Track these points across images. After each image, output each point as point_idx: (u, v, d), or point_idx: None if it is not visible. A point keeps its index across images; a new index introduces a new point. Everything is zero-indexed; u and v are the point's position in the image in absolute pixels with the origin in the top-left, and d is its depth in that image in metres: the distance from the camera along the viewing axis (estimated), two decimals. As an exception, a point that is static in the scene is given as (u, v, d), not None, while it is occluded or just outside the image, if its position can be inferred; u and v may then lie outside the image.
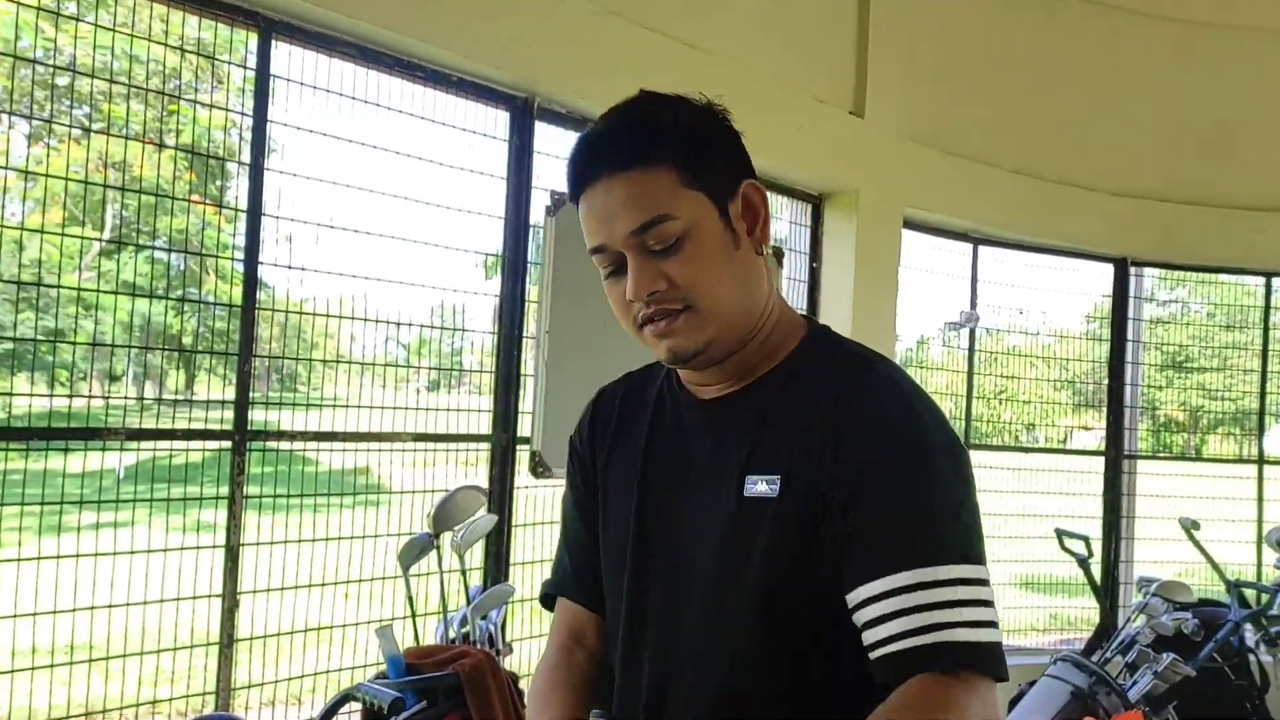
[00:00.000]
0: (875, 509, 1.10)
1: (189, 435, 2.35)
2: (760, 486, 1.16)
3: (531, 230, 2.94)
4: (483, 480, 2.88)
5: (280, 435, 2.47)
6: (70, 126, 2.40)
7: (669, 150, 1.12)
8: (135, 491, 2.39)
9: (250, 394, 2.39)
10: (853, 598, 1.09)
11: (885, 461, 1.11)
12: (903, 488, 1.11)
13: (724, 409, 1.23)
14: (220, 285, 2.84)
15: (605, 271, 1.16)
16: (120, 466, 2.51)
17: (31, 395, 2.46)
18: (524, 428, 2.91)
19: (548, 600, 1.41)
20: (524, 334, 2.92)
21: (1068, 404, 5.17)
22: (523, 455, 2.90)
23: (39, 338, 2.34)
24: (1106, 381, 4.83)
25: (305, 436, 2.50)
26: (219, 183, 2.69)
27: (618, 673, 1.29)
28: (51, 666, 2.23)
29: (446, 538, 2.59)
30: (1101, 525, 4.70)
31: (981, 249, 4.63)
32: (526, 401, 2.92)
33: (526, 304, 2.92)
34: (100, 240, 2.75)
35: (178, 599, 2.31)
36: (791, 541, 1.13)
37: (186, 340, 2.50)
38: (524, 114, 2.91)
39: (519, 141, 2.91)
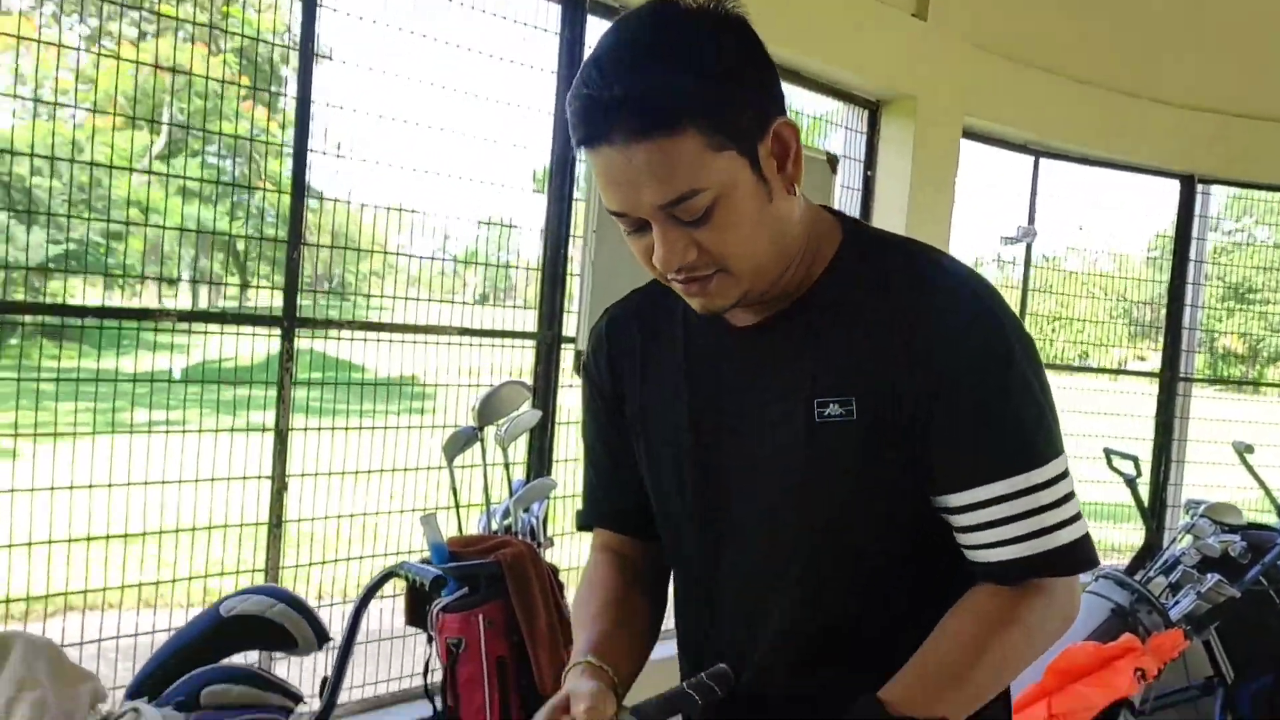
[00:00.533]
0: (965, 417, 1.07)
1: (239, 319, 2.38)
2: (833, 409, 1.11)
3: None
4: (527, 379, 2.91)
5: (328, 324, 2.49)
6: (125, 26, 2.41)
7: (692, 108, 0.97)
8: (186, 391, 2.44)
9: (299, 281, 2.42)
10: (951, 504, 1.08)
11: (968, 367, 1.07)
12: (990, 391, 1.07)
13: (771, 334, 1.15)
14: (271, 195, 2.85)
15: (626, 229, 1.07)
16: (174, 368, 2.56)
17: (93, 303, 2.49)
18: (569, 327, 2.92)
19: (586, 528, 1.38)
20: (571, 233, 2.90)
21: (1124, 330, 5.08)
22: (567, 354, 2.91)
23: (97, 239, 2.37)
24: (1166, 303, 4.72)
25: (353, 326, 2.53)
26: (271, 87, 2.68)
27: (689, 611, 1.27)
28: (107, 538, 2.30)
29: (490, 432, 2.62)
30: (1152, 448, 4.64)
31: (1043, 162, 4.52)
32: (572, 301, 2.92)
33: (574, 203, 2.90)
34: (156, 144, 2.77)
35: (228, 478, 2.38)
36: (873, 462, 1.09)
37: (240, 247, 2.51)
38: (575, 7, 2.86)
39: (570, 35, 2.86)
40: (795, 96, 3.75)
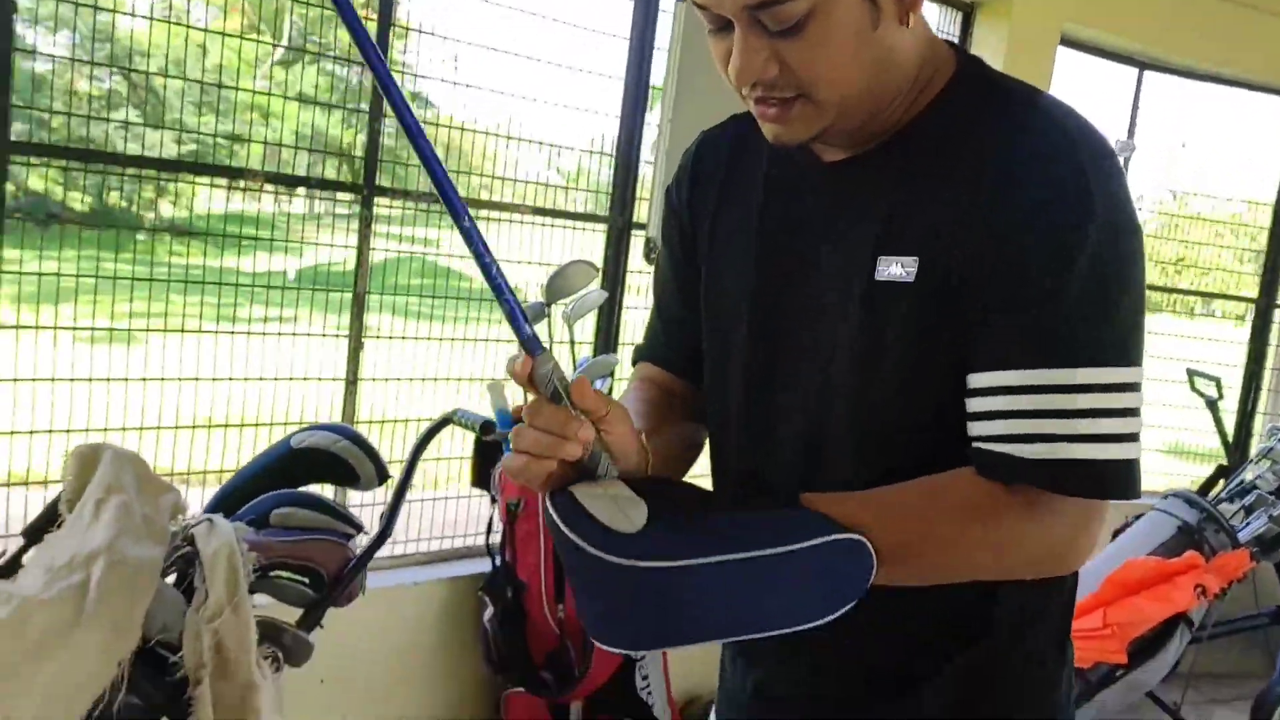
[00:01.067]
0: (1013, 292, 0.93)
1: (322, 185, 2.51)
2: (894, 269, 0.99)
3: (661, 15, 2.94)
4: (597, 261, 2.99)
5: (405, 194, 2.61)
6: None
7: None
8: (298, 296, 2.59)
9: (380, 153, 2.53)
10: (970, 384, 0.96)
11: (1037, 240, 0.92)
12: (1054, 269, 0.92)
13: (854, 173, 1.04)
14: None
15: (709, 27, 0.96)
16: (289, 269, 2.70)
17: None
18: (640, 214, 2.98)
19: (636, 363, 1.31)
20: (645, 120, 2.95)
21: (1226, 257, 4.91)
22: (637, 241, 2.98)
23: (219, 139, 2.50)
24: (1269, 226, 4.56)
25: (430, 198, 2.64)
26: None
27: (728, 455, 1.18)
28: (209, 426, 2.48)
29: (558, 311, 2.72)
30: (1242, 374, 4.52)
31: (1147, 75, 4.36)
32: (645, 189, 2.98)
33: (650, 90, 2.95)
34: (277, 48, 2.87)
35: (309, 334, 2.53)
36: (928, 332, 0.98)
37: (358, 154, 2.61)
38: None
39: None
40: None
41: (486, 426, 1.91)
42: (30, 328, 2.24)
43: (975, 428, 0.96)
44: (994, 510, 0.94)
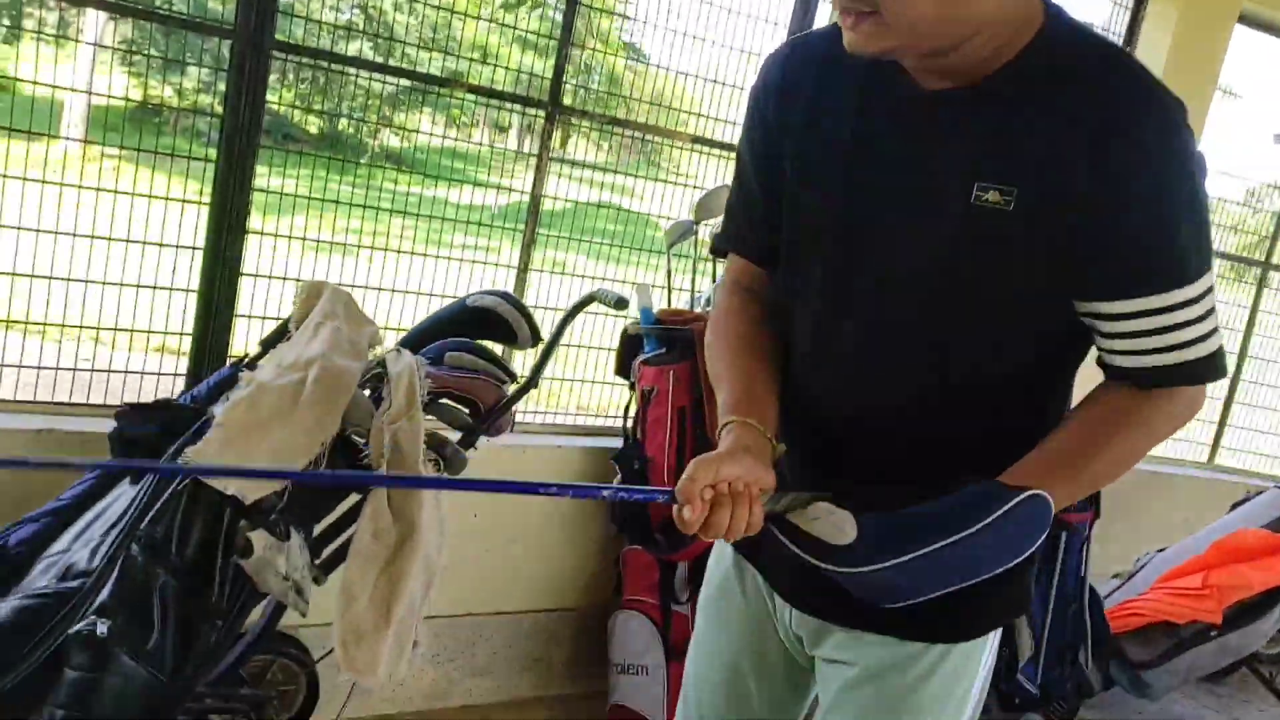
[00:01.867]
0: (1133, 228, 1.10)
1: (511, 98, 2.93)
2: (992, 195, 1.12)
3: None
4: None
5: (584, 115, 3.01)
6: None
7: None
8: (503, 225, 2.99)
9: (564, 77, 2.93)
10: (1102, 310, 1.15)
11: (1148, 179, 1.08)
12: (1163, 207, 1.10)
13: (952, 106, 1.15)
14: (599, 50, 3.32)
15: None
16: (495, 205, 3.12)
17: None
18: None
19: (719, 252, 1.49)
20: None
21: None
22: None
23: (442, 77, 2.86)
24: None
25: (603, 119, 3.03)
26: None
27: (806, 356, 1.31)
28: None
29: (705, 228, 3.07)
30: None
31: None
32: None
33: (814, 22, 3.23)
34: None
35: (496, 264, 2.98)
36: (1021, 257, 1.13)
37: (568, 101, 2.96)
38: None
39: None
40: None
41: (621, 302, 2.29)
42: (269, 234, 2.67)
43: (1109, 345, 1.18)
44: (1142, 414, 1.19)
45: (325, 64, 2.65)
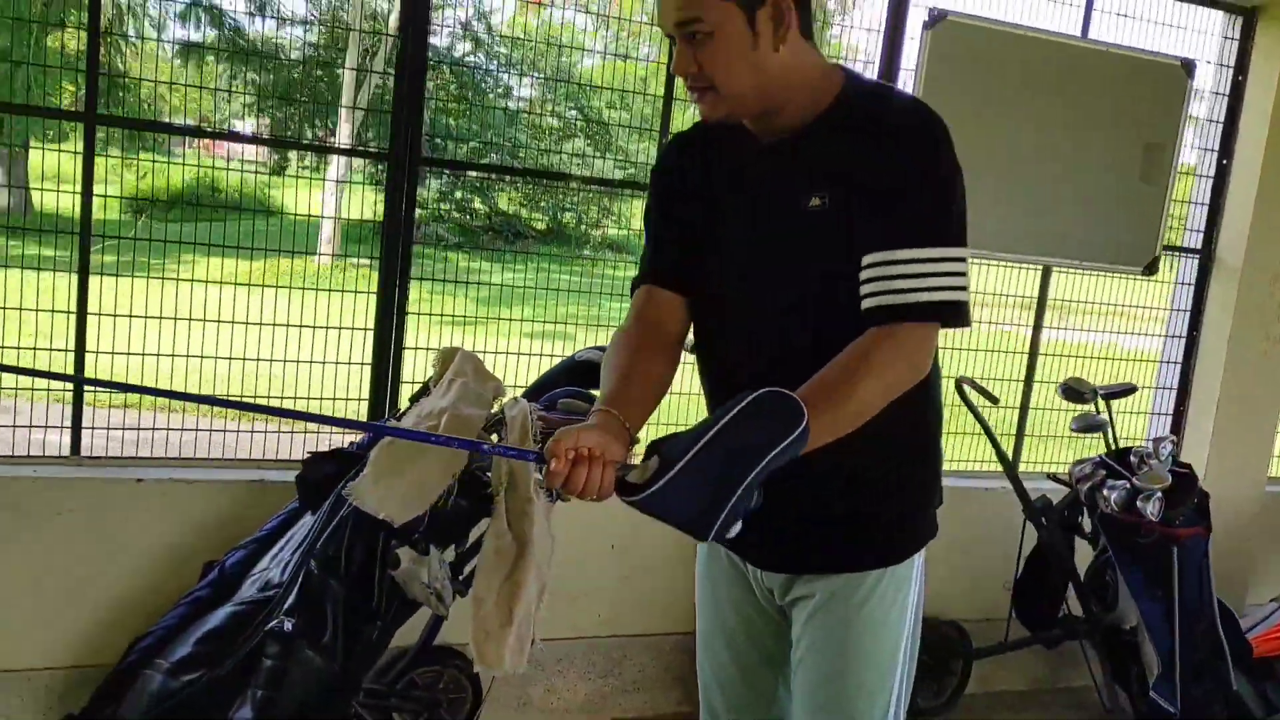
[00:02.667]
0: (892, 200, 1.50)
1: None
2: (814, 201, 1.57)
3: (907, 42, 3.54)
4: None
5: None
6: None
7: None
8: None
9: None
10: (867, 259, 1.51)
11: (901, 167, 1.51)
12: (913, 185, 1.50)
13: (777, 152, 1.62)
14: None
15: (672, 43, 1.59)
16: None
17: None
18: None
19: (636, 286, 1.80)
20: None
21: None
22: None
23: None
24: None
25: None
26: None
27: (710, 345, 1.75)
28: None
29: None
30: None
31: None
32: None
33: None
34: None
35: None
36: (839, 238, 1.54)
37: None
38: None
39: (900, -33, 3.50)
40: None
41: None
42: (425, 314, 3.26)
43: (866, 289, 1.51)
44: (872, 347, 1.49)
45: (465, 174, 3.22)
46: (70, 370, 2.84)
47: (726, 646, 1.92)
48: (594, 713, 3.45)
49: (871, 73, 3.57)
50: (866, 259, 1.52)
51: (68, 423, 2.92)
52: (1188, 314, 4.18)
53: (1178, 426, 4.21)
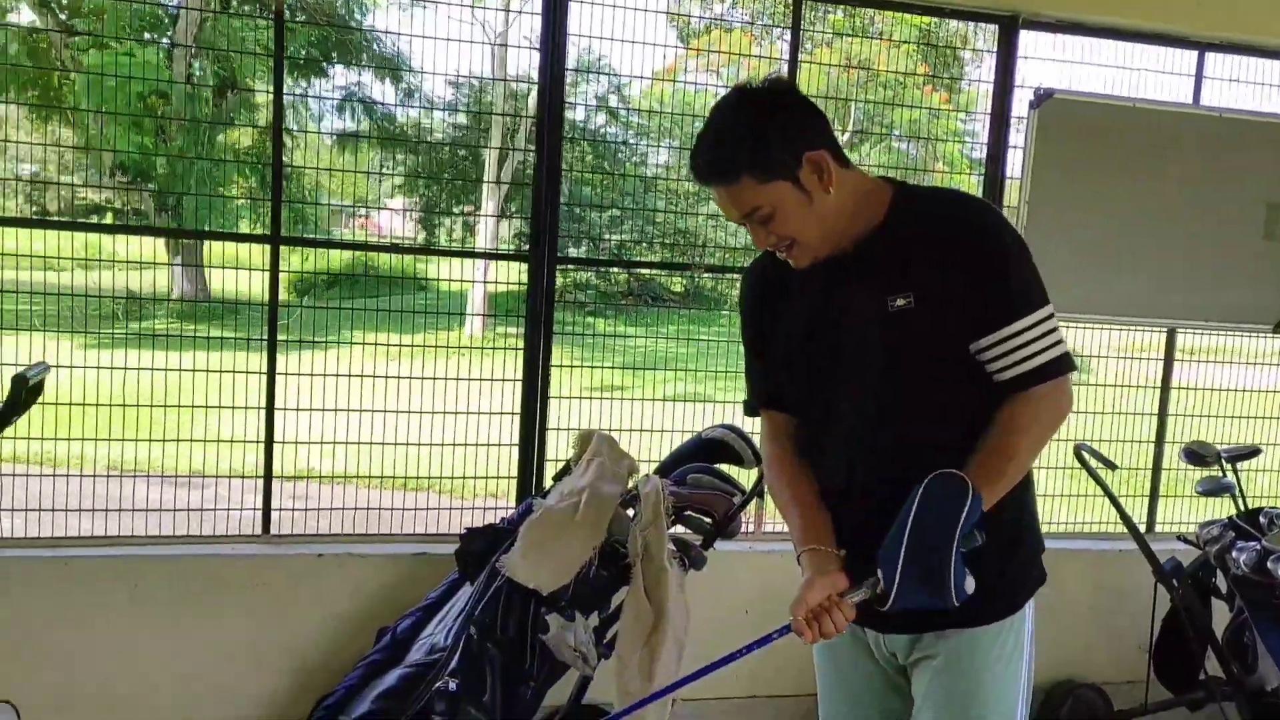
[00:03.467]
0: (986, 286, 1.72)
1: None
2: (899, 301, 1.75)
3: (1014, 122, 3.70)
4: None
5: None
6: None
7: (743, 167, 1.73)
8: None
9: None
10: (979, 345, 1.73)
11: (982, 256, 1.72)
12: (998, 270, 1.72)
13: (851, 263, 1.80)
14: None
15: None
16: None
17: None
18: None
19: (752, 409, 2.07)
20: (999, 205, 3.70)
21: None
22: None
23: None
24: None
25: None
26: (952, 71, 3.79)
27: (813, 456, 1.92)
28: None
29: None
30: None
31: None
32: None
33: (1007, 184, 3.70)
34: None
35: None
36: (930, 332, 1.74)
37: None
38: (1011, 29, 3.66)
39: (1006, 53, 3.67)
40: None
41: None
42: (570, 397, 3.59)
43: (995, 368, 1.74)
44: (1020, 413, 1.74)
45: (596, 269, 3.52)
46: (262, 457, 3.25)
47: (847, 701, 2.06)
48: (735, 770, 3.62)
49: (980, 153, 3.74)
50: (983, 342, 1.74)
51: (259, 505, 3.30)
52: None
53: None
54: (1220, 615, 3.58)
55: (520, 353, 3.42)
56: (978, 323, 1.74)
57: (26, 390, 2.40)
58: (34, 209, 3.12)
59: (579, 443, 3.03)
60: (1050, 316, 1.75)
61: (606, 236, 4.73)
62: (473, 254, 3.58)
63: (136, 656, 3.07)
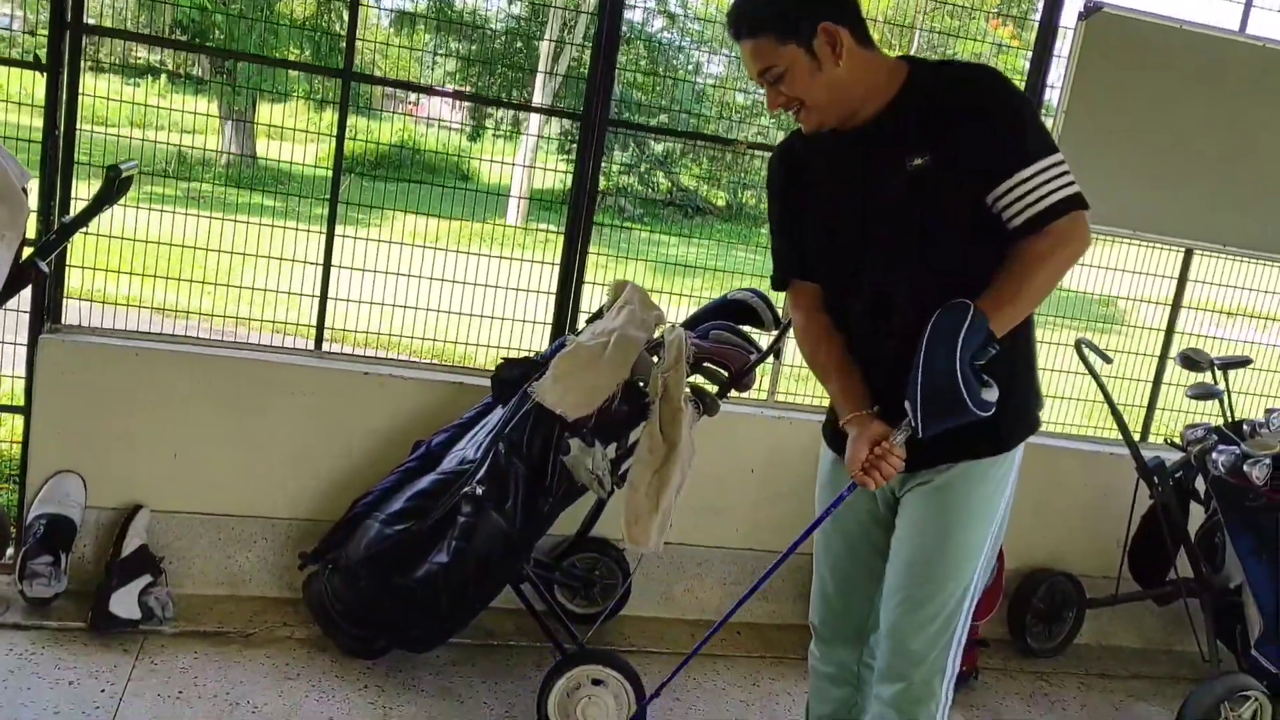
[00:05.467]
0: (1000, 136, 1.87)
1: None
2: (917, 161, 1.91)
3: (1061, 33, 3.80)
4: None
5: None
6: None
7: (766, 25, 1.91)
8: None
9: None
10: (996, 193, 1.87)
11: (992, 109, 1.88)
12: (1007, 122, 1.87)
13: (869, 132, 1.97)
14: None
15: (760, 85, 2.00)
16: None
17: None
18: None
19: (780, 283, 2.25)
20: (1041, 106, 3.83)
21: None
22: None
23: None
24: None
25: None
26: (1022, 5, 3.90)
27: (848, 315, 2.11)
28: None
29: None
30: None
31: None
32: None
33: (1046, 89, 3.82)
34: None
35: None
36: (948, 186, 1.90)
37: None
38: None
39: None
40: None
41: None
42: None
43: (1009, 213, 1.88)
44: (1035, 244, 1.87)
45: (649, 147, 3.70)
46: (319, 280, 3.50)
47: (841, 537, 2.29)
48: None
49: (1024, 62, 3.86)
50: (998, 189, 1.87)
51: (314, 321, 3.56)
52: (1334, 304, 4.28)
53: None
54: (1197, 520, 3.80)
55: (560, 240, 3.64)
56: (993, 174, 1.88)
57: (120, 181, 2.64)
58: (87, 64, 3.27)
59: (613, 291, 3.26)
60: (1060, 162, 1.88)
61: (653, 142, 4.76)
62: (528, 108, 3.74)
63: (193, 443, 3.36)
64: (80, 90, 3.19)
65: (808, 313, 2.20)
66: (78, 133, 3.22)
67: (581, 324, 3.53)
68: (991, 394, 1.87)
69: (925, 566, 2.10)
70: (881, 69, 1.99)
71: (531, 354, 3.29)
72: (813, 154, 2.10)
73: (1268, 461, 3.32)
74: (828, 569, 2.37)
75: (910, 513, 2.13)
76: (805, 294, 2.22)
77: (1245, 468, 3.33)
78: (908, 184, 1.93)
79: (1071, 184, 1.88)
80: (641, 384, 3.05)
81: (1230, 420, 3.60)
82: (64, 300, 3.36)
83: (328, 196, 3.42)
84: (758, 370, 3.22)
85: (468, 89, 5.09)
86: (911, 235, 1.97)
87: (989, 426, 1.94)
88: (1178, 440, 3.67)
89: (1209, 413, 3.80)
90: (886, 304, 2.04)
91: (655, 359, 3.08)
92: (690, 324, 3.29)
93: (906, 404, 1.90)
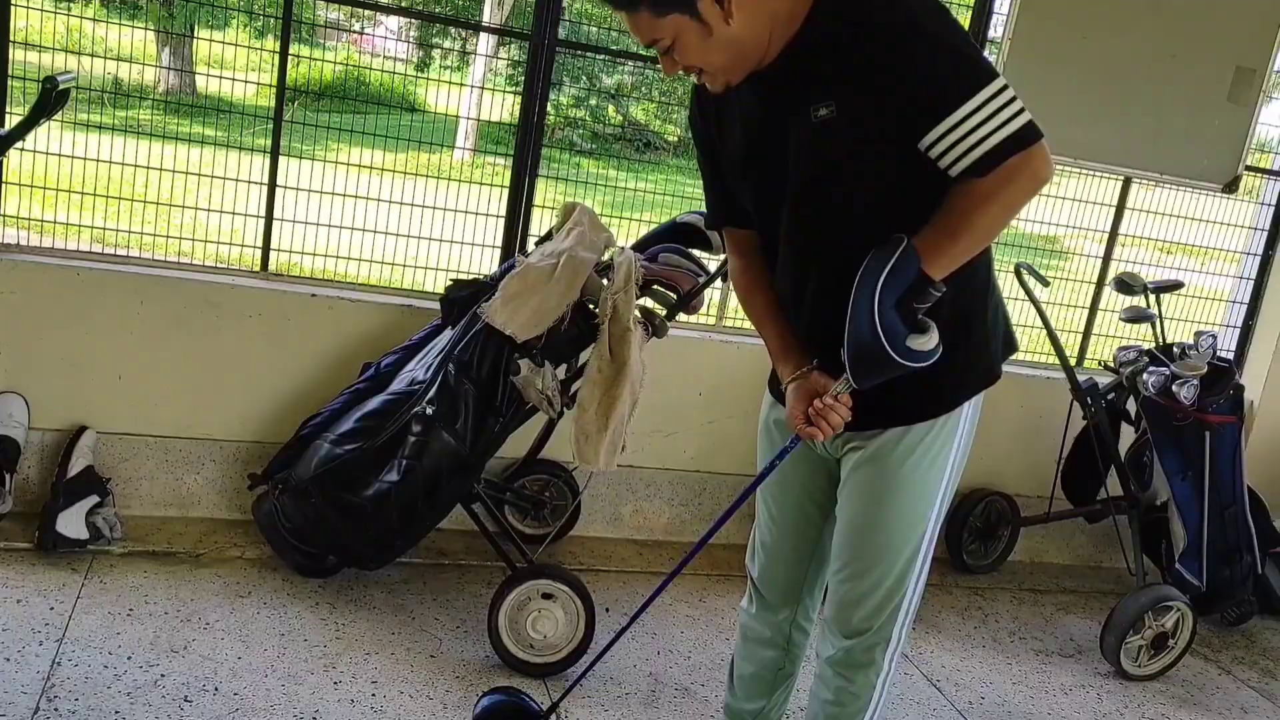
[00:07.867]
0: (907, 80, 1.59)
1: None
2: (822, 112, 1.68)
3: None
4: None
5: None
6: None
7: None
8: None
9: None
10: (927, 142, 1.60)
11: (893, 52, 1.59)
12: (917, 57, 1.58)
13: (772, 77, 1.73)
14: None
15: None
16: None
17: None
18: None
19: (714, 226, 2.11)
20: (986, 38, 3.87)
21: None
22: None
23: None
24: None
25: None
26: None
27: (774, 265, 1.94)
28: None
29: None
30: None
31: None
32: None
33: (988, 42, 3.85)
34: None
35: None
36: (860, 137, 1.68)
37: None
38: None
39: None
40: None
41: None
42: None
43: (945, 161, 1.61)
44: (980, 185, 1.61)
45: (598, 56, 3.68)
46: (264, 201, 3.46)
47: (781, 487, 2.16)
48: (674, 534, 4.00)
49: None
50: (928, 138, 1.61)
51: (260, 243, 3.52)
52: (1265, 233, 4.41)
53: (1244, 340, 4.47)
54: (1127, 442, 3.94)
55: (508, 173, 3.60)
56: (918, 121, 1.62)
57: (56, 93, 2.58)
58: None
59: (562, 213, 3.26)
60: (1002, 90, 1.59)
61: (605, 76, 4.67)
62: (478, 26, 3.69)
63: (139, 365, 3.33)
64: (11, 15, 3.10)
65: (742, 259, 2.05)
66: (10, 63, 3.14)
67: (531, 246, 3.53)
68: (924, 341, 1.68)
69: (861, 537, 1.98)
70: (784, 10, 1.70)
71: (481, 276, 3.28)
72: (723, 99, 1.87)
73: (1195, 382, 3.44)
74: (768, 518, 2.24)
75: (847, 480, 2.00)
76: (737, 239, 2.07)
77: (1174, 388, 3.45)
78: (814, 135, 1.72)
79: (1017, 115, 1.59)
80: (591, 305, 3.08)
81: (1161, 343, 3.72)
82: (2, 221, 3.29)
83: (271, 119, 3.36)
84: (706, 293, 3.25)
85: (418, 5, 4.98)
86: (824, 187, 1.77)
87: (929, 382, 1.77)
88: (1111, 364, 3.78)
89: (1143, 337, 3.92)
90: (804, 258, 1.88)
91: (605, 280, 3.10)
92: (639, 246, 3.31)
93: (842, 352, 1.72)
